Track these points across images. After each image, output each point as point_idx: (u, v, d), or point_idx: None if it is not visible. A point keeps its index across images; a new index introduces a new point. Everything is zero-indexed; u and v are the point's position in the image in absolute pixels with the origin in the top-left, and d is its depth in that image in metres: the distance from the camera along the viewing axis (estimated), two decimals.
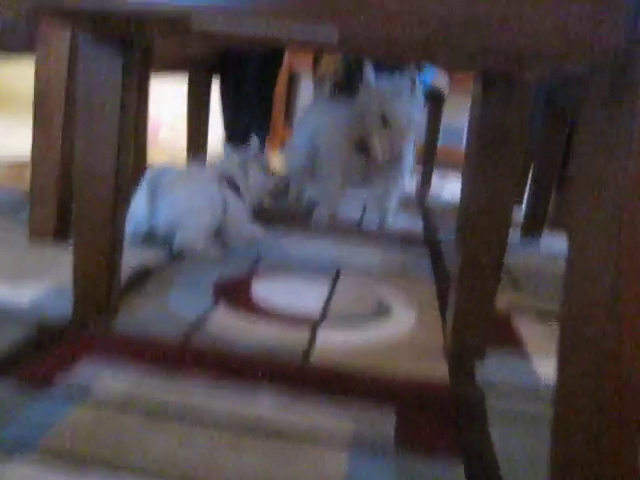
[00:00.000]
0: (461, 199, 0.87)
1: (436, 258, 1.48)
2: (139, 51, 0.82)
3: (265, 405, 0.68)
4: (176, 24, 0.57)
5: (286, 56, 2.27)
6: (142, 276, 1.07)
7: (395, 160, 1.62)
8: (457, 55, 0.62)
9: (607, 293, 0.46)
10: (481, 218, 0.81)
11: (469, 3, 0.42)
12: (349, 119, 1.60)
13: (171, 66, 1.82)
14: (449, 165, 3.15)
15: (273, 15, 0.43)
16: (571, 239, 0.51)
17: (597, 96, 0.46)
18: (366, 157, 1.59)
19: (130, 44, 0.79)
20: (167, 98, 3.27)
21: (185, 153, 1.98)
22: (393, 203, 1.73)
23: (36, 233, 1.16)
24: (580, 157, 0.49)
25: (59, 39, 1.06)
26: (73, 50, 1.06)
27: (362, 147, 1.58)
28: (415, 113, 1.56)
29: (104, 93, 0.79)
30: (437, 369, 0.82)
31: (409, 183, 1.81)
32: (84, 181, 0.82)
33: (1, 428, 0.58)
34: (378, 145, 1.54)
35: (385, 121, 1.52)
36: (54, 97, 1.08)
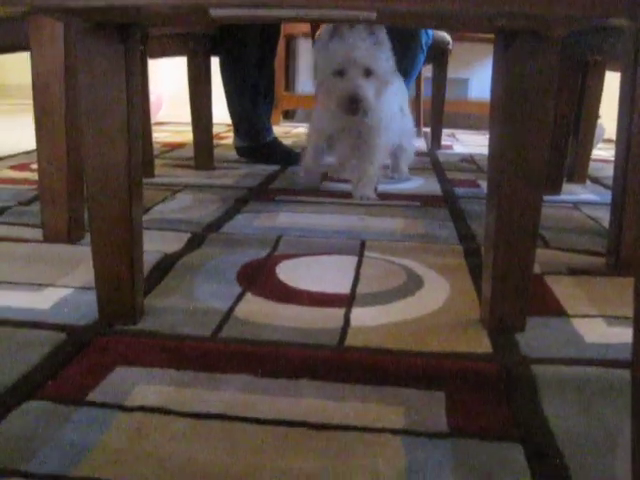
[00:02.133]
0: (490, 156, 0.82)
1: (458, 217, 1.44)
2: (138, 35, 0.77)
3: (309, 398, 0.66)
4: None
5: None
6: (164, 266, 1.04)
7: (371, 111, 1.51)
8: (480, 22, 0.57)
9: None
10: (515, 174, 0.76)
11: None
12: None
13: (168, 52, 1.77)
14: (457, 118, 3.08)
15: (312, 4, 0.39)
16: None
17: None
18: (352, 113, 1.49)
19: (129, 29, 0.75)
20: (167, 74, 3.21)
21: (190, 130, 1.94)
22: (370, 168, 1.62)
23: (50, 234, 1.13)
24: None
25: (52, 33, 1.01)
26: (68, 43, 1.01)
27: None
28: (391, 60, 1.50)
29: (108, 83, 0.75)
30: (479, 342, 0.80)
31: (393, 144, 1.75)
32: (96, 177, 0.79)
33: (38, 452, 0.55)
34: (368, 96, 1.45)
35: (369, 72, 1.45)
36: (54, 94, 1.04)
